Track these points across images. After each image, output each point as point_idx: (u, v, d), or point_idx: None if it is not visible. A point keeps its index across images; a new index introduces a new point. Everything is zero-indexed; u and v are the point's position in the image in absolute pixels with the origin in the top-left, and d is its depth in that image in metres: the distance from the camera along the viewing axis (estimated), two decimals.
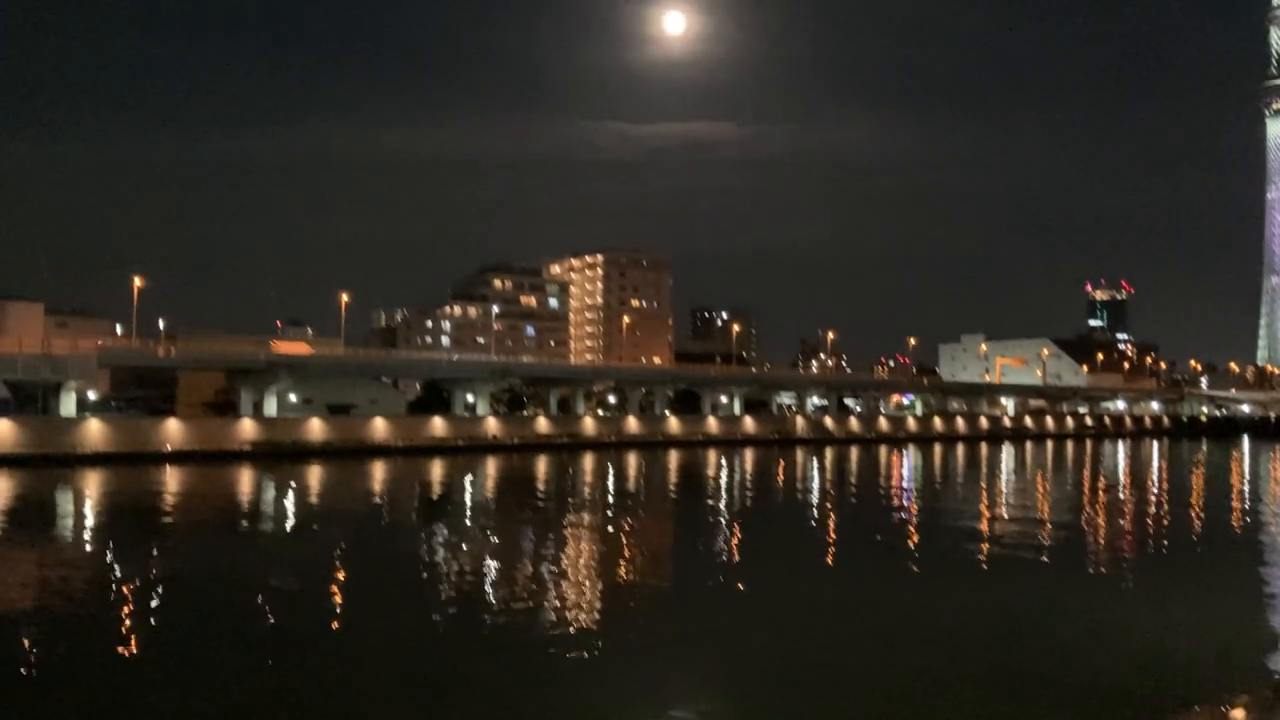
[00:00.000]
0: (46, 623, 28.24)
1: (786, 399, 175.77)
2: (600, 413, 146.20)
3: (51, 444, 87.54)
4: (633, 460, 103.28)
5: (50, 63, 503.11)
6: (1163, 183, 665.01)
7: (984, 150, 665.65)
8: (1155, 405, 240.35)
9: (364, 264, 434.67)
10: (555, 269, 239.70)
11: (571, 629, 27.88)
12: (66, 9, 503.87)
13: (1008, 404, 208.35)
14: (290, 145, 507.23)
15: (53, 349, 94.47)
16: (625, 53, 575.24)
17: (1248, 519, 59.14)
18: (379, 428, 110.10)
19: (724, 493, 72.60)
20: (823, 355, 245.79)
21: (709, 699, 21.84)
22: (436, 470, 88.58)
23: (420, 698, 21.63)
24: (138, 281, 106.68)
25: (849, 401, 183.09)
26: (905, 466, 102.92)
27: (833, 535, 50.12)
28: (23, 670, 23.32)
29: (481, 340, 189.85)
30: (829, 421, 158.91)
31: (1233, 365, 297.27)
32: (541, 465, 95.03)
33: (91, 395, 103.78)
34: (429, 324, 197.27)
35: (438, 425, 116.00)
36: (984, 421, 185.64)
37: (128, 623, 28.36)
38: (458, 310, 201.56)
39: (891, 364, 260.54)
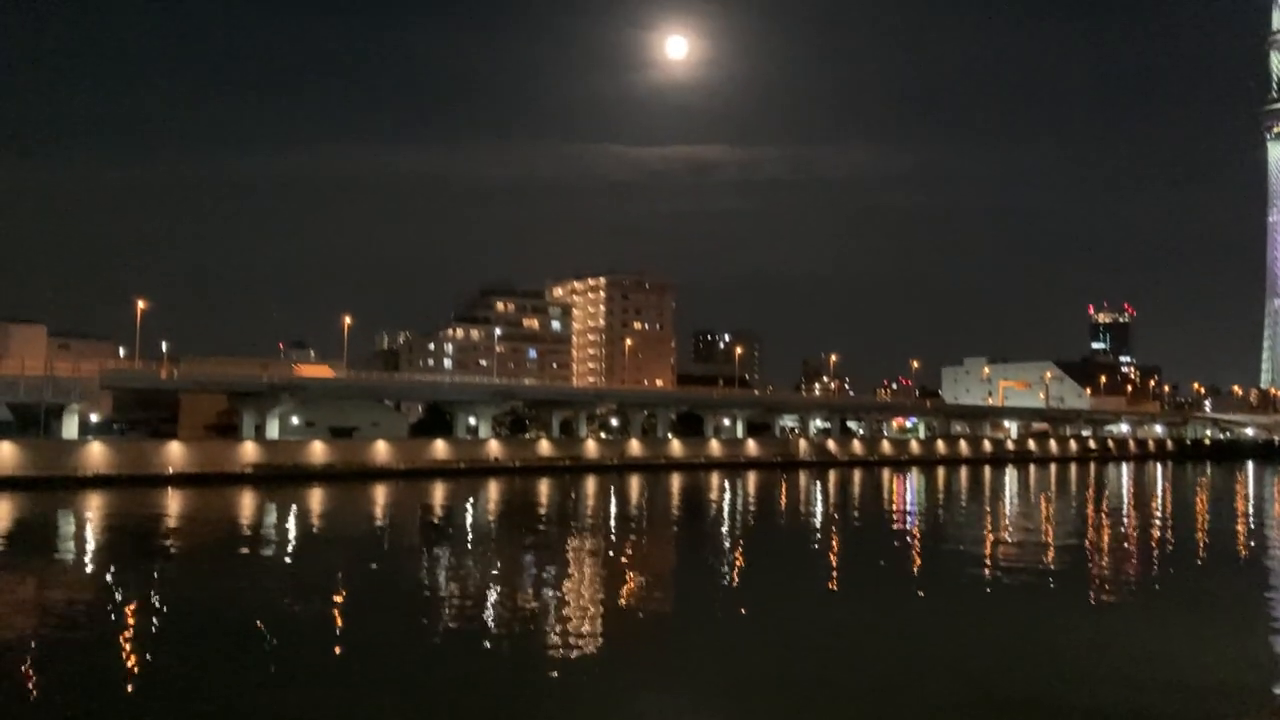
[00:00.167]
0: (44, 647, 28.10)
1: (789, 422, 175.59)
2: (602, 435, 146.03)
3: (53, 466, 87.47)
4: (635, 483, 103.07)
5: (52, 87, 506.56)
6: (1165, 205, 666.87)
7: (985, 173, 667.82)
8: (1159, 428, 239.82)
9: (367, 286, 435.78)
10: (558, 291, 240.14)
11: (571, 655, 27.74)
12: (69, 35, 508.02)
13: (1011, 427, 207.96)
14: (293, 168, 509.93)
15: (55, 371, 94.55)
16: (626, 76, 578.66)
17: (1252, 543, 58.91)
18: (381, 450, 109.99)
19: (727, 516, 72.39)
20: (825, 378, 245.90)
21: None
22: (438, 493, 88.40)
23: None
24: (140, 304, 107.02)
25: (852, 424, 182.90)
26: (908, 490, 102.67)
27: (836, 559, 49.93)
28: (21, 694, 23.21)
29: (484, 363, 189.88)
30: (832, 444, 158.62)
31: (1236, 388, 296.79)
32: (543, 488, 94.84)
33: (93, 417, 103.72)
34: (431, 346, 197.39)
35: (439, 448, 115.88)
36: (987, 444, 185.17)
37: (126, 648, 28.24)
38: (460, 333, 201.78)
39: (894, 387, 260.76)
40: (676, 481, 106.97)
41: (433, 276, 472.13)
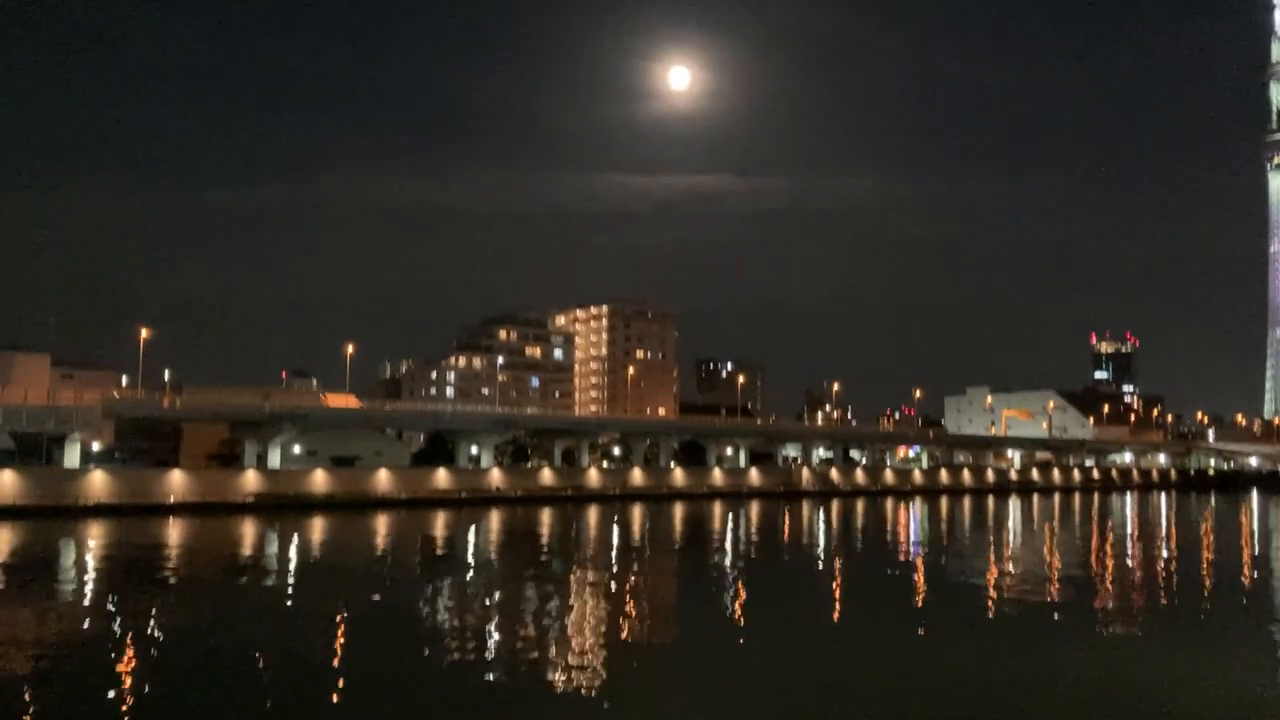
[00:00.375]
0: (40, 679, 27.92)
1: (792, 451, 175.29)
2: (605, 464, 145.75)
3: (55, 495, 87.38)
4: (637, 513, 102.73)
5: (58, 116, 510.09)
6: (1167, 235, 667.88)
7: (988, 202, 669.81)
8: (1162, 458, 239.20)
9: (370, 315, 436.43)
10: (560, 320, 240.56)
11: (572, 689, 27.56)
12: (74, 63, 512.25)
13: (1014, 456, 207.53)
14: (296, 197, 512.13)
15: (58, 400, 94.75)
16: (629, 106, 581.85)
17: (1257, 574, 58.55)
18: (382, 479, 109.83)
19: (729, 547, 72.04)
20: (828, 407, 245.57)
21: None
22: (440, 523, 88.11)
23: None
24: (144, 333, 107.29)
25: (854, 454, 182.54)
26: (911, 520, 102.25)
27: (839, 592, 49.63)
28: None
29: (486, 391, 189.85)
30: (835, 474, 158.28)
31: (1240, 418, 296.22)
32: (545, 518, 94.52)
33: (95, 446, 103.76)
34: (434, 375, 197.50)
35: (441, 477, 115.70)
36: (990, 474, 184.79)
37: (123, 680, 28.05)
38: (462, 361, 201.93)
39: (897, 416, 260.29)
40: (679, 511, 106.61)
41: (435, 305, 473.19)
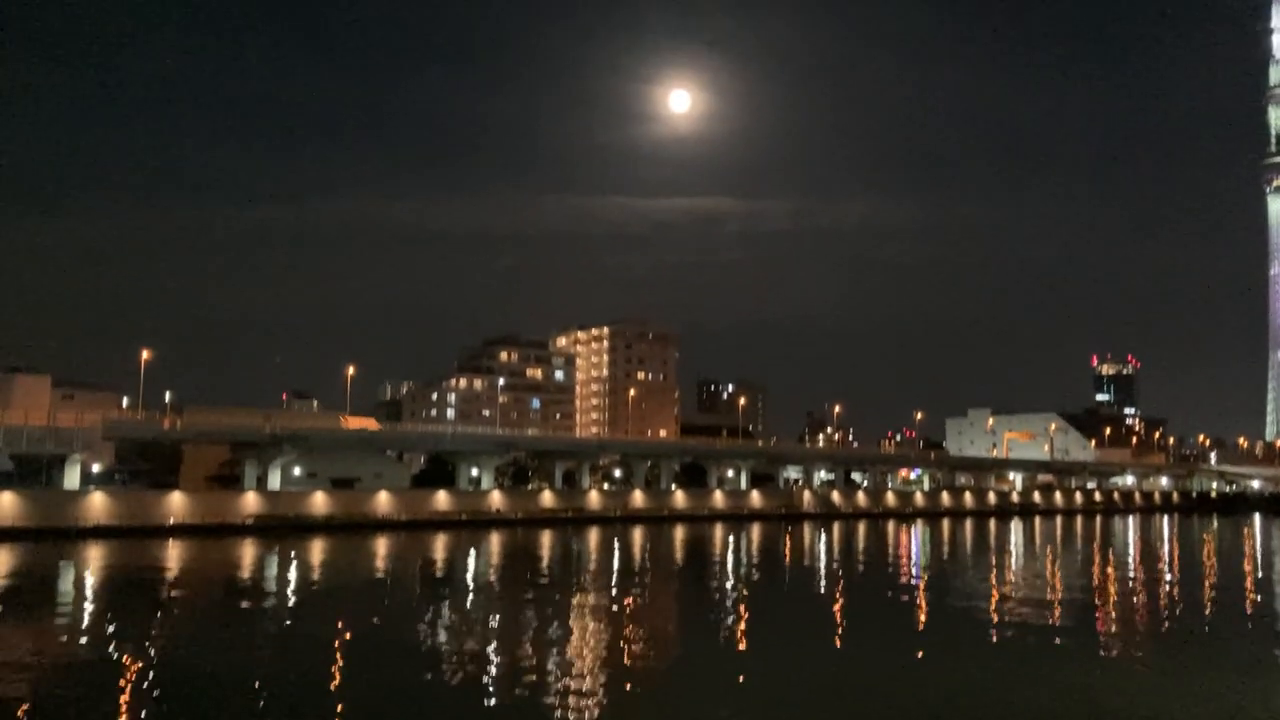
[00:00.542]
0: (38, 703, 27.79)
1: (793, 473, 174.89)
2: (605, 486, 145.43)
3: (54, 517, 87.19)
4: (638, 535, 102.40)
5: (60, 138, 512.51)
6: (1168, 257, 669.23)
7: (988, 224, 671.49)
8: (1164, 481, 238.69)
9: (371, 336, 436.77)
10: (561, 341, 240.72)
11: (570, 713, 27.37)
12: (76, 86, 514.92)
13: (1015, 479, 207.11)
14: (298, 219, 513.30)
15: (58, 421, 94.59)
16: (630, 129, 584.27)
17: (1260, 597, 58.31)
18: (382, 501, 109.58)
19: (731, 571, 71.81)
20: (829, 429, 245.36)
21: None
22: (440, 545, 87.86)
23: None
24: (145, 354, 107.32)
25: (856, 476, 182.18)
26: (913, 542, 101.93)
27: (840, 616, 49.39)
28: None
29: (487, 413, 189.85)
30: (836, 496, 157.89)
31: (1242, 440, 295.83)
32: (546, 540, 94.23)
33: (95, 467, 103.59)
34: (434, 396, 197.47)
35: (441, 499, 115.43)
36: (992, 496, 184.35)
37: (120, 705, 27.89)
38: (463, 383, 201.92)
39: (898, 438, 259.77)
40: (680, 534, 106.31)
41: (436, 326, 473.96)
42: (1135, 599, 56.86)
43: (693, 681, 32.71)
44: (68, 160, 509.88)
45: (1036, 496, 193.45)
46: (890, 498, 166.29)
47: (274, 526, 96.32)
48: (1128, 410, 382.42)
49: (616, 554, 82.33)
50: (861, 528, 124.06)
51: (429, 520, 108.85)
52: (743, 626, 44.81)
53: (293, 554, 75.99)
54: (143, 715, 26.97)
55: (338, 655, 35.89)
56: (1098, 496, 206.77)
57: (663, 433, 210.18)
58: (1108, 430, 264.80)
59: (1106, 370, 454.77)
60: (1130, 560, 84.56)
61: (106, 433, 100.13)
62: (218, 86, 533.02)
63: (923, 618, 47.92)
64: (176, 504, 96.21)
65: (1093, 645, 39.86)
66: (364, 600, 52.60)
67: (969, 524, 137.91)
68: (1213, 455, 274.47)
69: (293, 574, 65.33)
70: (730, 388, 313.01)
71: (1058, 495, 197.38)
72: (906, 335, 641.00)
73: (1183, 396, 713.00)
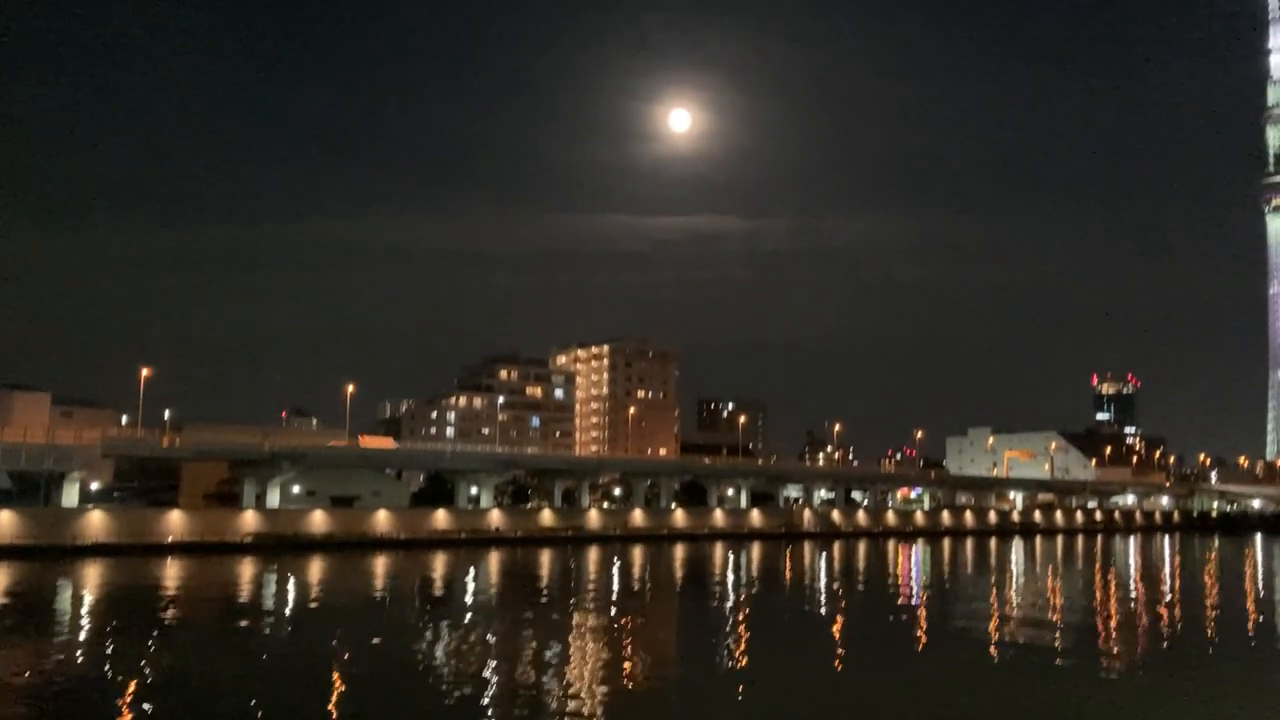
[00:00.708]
0: None
1: (793, 492, 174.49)
2: (605, 505, 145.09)
3: (53, 535, 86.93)
4: (638, 554, 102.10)
5: (59, 155, 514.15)
6: (1168, 276, 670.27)
7: (989, 243, 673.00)
8: (1165, 500, 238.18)
9: (370, 354, 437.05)
10: (561, 359, 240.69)
11: None
12: (77, 102, 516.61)
13: (1016, 498, 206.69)
14: (298, 237, 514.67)
15: (57, 439, 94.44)
16: (631, 148, 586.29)
17: (1263, 617, 58.10)
18: (381, 520, 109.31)
19: (731, 590, 71.58)
20: (830, 447, 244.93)
21: None
22: (439, 564, 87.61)
23: None
24: (144, 372, 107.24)
25: (856, 495, 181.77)
26: (914, 562, 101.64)
27: (840, 636, 49.22)
28: None
29: (486, 431, 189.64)
30: (836, 515, 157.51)
31: (1242, 459, 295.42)
32: (545, 559, 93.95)
33: (94, 485, 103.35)
34: (434, 414, 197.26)
35: (440, 518, 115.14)
36: (992, 516, 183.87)
37: None
38: (463, 401, 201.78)
39: (898, 457, 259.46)
40: (680, 553, 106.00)
41: (436, 344, 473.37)
42: (1136, 619, 56.66)
43: (692, 702, 32.56)
44: (66, 177, 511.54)
45: (1037, 516, 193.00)
46: (891, 517, 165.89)
47: (273, 545, 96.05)
48: (1128, 429, 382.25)
49: (616, 573, 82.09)
50: (862, 547, 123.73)
51: (428, 539, 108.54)
52: (742, 646, 44.64)
53: (291, 573, 75.75)
54: None
55: (336, 675, 35.73)
56: (1098, 516, 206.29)
57: (662, 451, 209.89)
58: (1108, 449, 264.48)
59: (1107, 389, 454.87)
60: (1131, 580, 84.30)
61: (105, 450, 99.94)
62: (217, 102, 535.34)
63: (923, 638, 47.74)
64: (175, 522, 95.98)
65: (1094, 666, 39.69)
66: (363, 619, 52.41)
67: (970, 543, 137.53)
68: (1213, 474, 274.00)
69: (291, 593, 65.12)
70: (730, 406, 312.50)
71: (1058, 514, 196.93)
72: (907, 353, 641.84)
73: (1183, 415, 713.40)
